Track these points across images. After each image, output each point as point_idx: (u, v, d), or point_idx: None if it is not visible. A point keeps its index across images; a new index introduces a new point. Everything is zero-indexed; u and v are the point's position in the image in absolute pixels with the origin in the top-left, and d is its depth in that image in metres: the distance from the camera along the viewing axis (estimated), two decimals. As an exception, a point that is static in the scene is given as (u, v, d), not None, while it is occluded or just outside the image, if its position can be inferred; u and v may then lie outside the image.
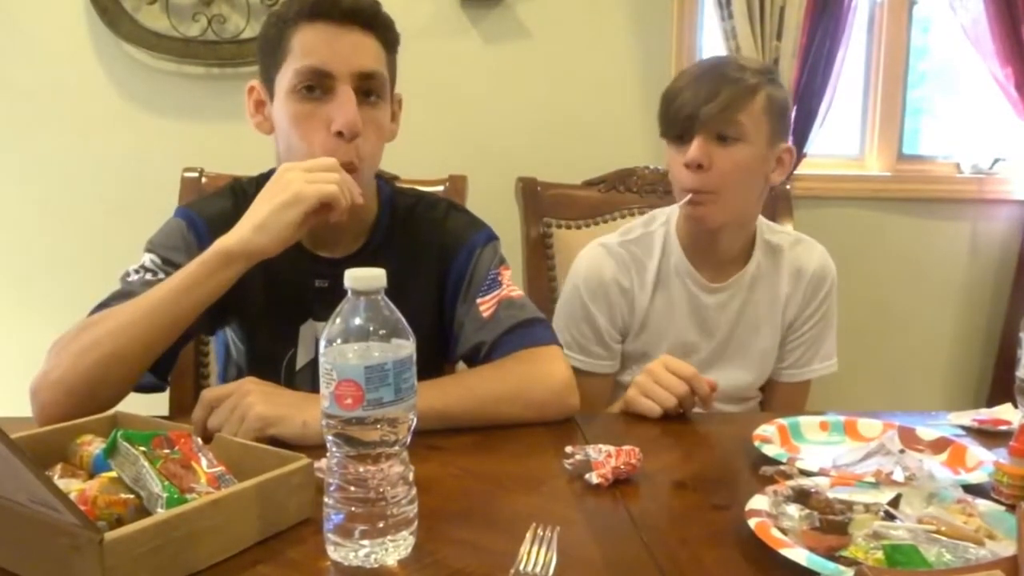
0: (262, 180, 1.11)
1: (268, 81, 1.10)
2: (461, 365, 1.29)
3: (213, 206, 1.15)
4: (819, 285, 1.40)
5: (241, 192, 1.17)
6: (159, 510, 0.66)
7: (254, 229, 0.96)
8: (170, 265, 1.07)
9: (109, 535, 0.59)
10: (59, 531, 0.61)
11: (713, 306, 1.37)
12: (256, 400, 0.93)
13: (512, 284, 1.19)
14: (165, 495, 0.67)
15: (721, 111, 1.22)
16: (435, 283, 1.20)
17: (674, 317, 1.38)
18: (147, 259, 1.11)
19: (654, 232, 1.41)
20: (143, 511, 0.68)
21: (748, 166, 1.26)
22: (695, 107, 1.23)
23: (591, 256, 1.40)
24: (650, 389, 1.10)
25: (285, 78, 1.06)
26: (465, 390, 1.05)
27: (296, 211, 0.95)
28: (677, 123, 1.26)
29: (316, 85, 1.04)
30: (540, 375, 1.08)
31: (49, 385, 0.96)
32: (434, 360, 1.23)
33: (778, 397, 1.44)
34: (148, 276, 1.08)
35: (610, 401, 1.33)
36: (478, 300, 1.16)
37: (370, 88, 1.07)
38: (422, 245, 1.19)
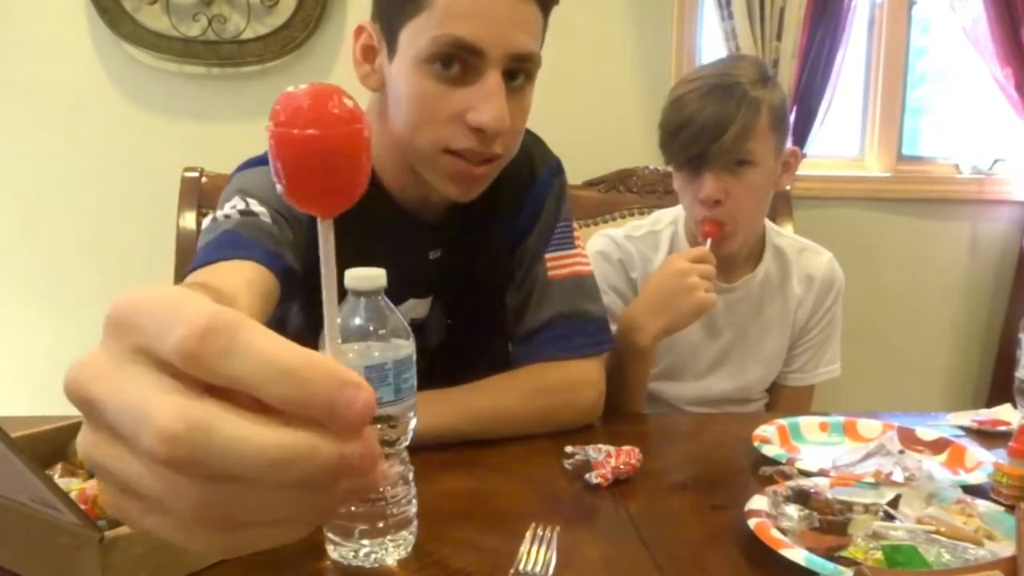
0: None
1: (389, 30, 0.89)
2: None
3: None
4: (828, 290, 1.40)
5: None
6: (159, 510, 0.66)
7: None
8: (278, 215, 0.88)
9: (109, 534, 0.59)
10: (60, 530, 0.61)
11: (721, 307, 1.36)
12: None
13: (581, 248, 1.11)
14: (165, 495, 0.67)
15: (732, 144, 1.19)
16: (509, 222, 1.10)
17: None
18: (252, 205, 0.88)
19: (661, 231, 1.41)
20: (143, 511, 0.68)
21: (762, 186, 1.26)
22: (704, 144, 1.19)
23: (598, 242, 1.42)
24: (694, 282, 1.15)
25: (419, 40, 0.85)
26: (490, 410, 1.00)
27: None
28: (686, 162, 1.23)
29: (457, 61, 0.85)
30: (569, 401, 1.04)
31: None
32: (502, 309, 1.13)
33: (783, 401, 1.44)
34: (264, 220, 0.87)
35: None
36: (547, 255, 1.07)
37: (520, 70, 0.90)
38: (499, 182, 1.02)
